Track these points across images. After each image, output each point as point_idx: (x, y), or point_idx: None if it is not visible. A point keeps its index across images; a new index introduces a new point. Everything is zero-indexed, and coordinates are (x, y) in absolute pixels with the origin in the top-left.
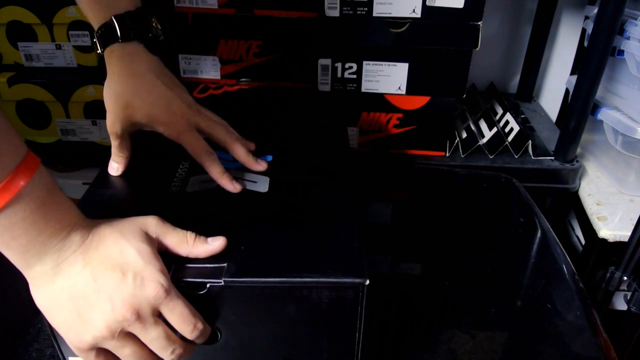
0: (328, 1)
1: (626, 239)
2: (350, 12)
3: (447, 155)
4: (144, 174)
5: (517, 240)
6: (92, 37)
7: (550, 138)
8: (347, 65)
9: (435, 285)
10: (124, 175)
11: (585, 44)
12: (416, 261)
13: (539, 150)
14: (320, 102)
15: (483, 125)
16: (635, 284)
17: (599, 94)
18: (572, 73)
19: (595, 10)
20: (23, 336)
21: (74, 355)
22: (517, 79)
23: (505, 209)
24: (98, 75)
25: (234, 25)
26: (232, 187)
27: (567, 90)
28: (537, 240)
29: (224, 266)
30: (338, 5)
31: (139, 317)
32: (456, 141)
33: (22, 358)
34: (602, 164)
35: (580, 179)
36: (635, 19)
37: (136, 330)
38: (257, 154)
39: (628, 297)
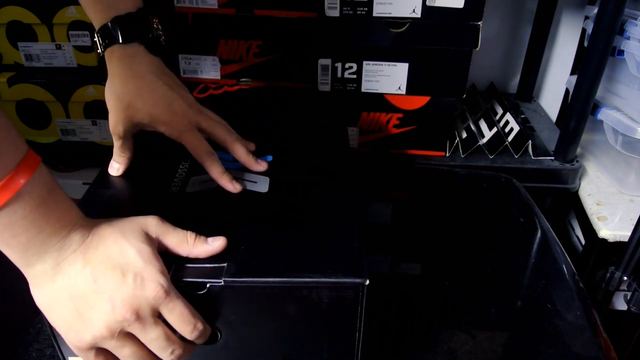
0: (328, 1)
1: (626, 239)
2: (350, 12)
3: (447, 155)
4: (144, 174)
5: (517, 240)
6: (92, 37)
7: (550, 138)
8: (347, 65)
9: (435, 285)
10: (124, 175)
11: (585, 44)
12: (416, 261)
13: (539, 150)
14: (320, 102)
15: (483, 125)
16: (635, 284)
17: (599, 94)
18: (572, 73)
19: (595, 10)
20: (23, 336)
21: (74, 355)
22: (517, 79)
23: (505, 209)
24: (98, 75)
25: (234, 25)
26: (232, 187)
27: (567, 90)
28: (537, 240)
29: (224, 266)
30: (338, 5)
31: (138, 317)
32: (456, 141)
33: (22, 358)
34: (602, 164)
35: (580, 179)
36: (635, 19)
37: (136, 330)
38: (257, 154)
39: (628, 297)
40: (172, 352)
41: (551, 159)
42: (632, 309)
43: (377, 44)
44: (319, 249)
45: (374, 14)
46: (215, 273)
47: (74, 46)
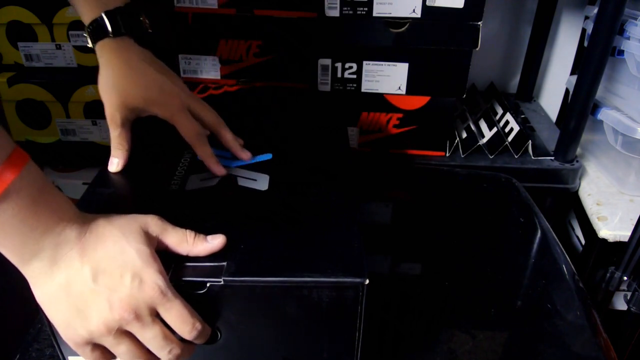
0: (328, 1)
1: (626, 239)
2: (350, 12)
3: (447, 155)
4: (144, 172)
5: (517, 240)
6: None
7: (550, 138)
8: (347, 65)
9: (435, 285)
10: (123, 173)
11: (585, 44)
12: (416, 261)
13: (539, 150)
14: (320, 102)
15: (483, 125)
16: (635, 284)
17: (599, 94)
18: (572, 73)
19: (595, 10)
20: (23, 336)
21: (74, 355)
22: (517, 79)
23: (505, 209)
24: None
25: (234, 25)
26: (218, 169)
27: (567, 90)
28: (537, 240)
29: (223, 265)
30: (338, 5)
31: (136, 316)
32: (456, 141)
33: (22, 358)
34: (602, 164)
35: (580, 179)
36: (635, 19)
37: (134, 329)
38: (257, 153)
39: (628, 297)
40: (170, 352)
41: (551, 159)
42: (632, 309)
43: (377, 44)
44: (319, 249)
45: (374, 14)
46: (215, 272)
47: (74, 46)
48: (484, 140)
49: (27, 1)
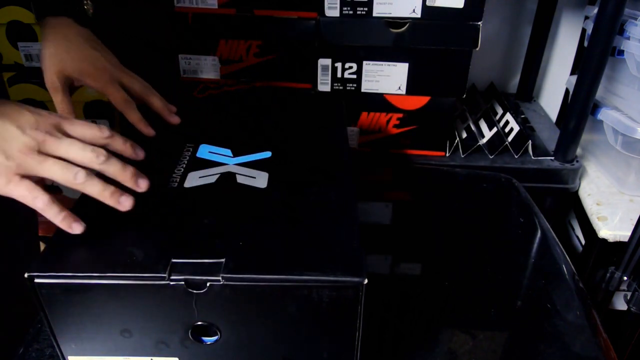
0: (328, 1)
1: (626, 239)
2: (350, 12)
3: (447, 155)
4: (143, 170)
5: (517, 240)
6: None
7: (550, 138)
8: (347, 65)
9: (435, 285)
10: None
11: (585, 44)
12: (416, 261)
13: (539, 150)
14: (320, 102)
15: (483, 125)
16: (635, 284)
17: (599, 94)
18: (572, 73)
19: (595, 10)
20: (23, 336)
21: (73, 354)
22: (517, 79)
23: (505, 209)
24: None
25: (234, 25)
26: (147, 131)
27: (567, 90)
28: (537, 240)
29: (222, 262)
30: (338, 5)
31: (47, 132)
32: (456, 141)
33: (22, 358)
34: (602, 164)
35: (580, 179)
36: (635, 19)
37: (50, 146)
38: (257, 150)
39: (628, 297)
40: (97, 156)
41: (551, 159)
42: (632, 309)
43: (377, 44)
44: (319, 248)
45: (374, 14)
46: (214, 268)
47: None
48: (484, 140)
49: (27, 1)
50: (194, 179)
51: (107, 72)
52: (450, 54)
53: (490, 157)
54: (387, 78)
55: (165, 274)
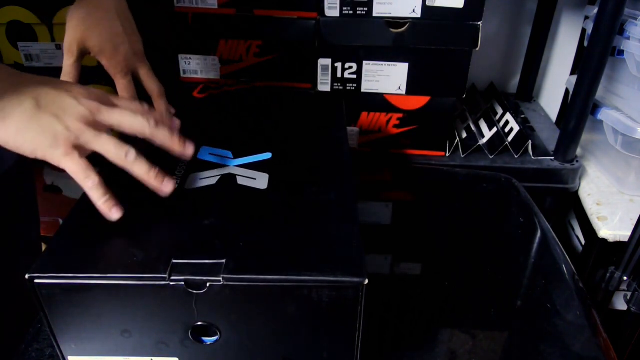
0: (328, 1)
1: (626, 239)
2: (350, 12)
3: (447, 155)
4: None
5: (517, 240)
6: None
7: (550, 138)
8: (347, 65)
9: (435, 285)
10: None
11: (585, 44)
12: (416, 261)
13: (539, 150)
14: (320, 102)
15: (483, 125)
16: (635, 284)
17: (599, 94)
18: (572, 73)
19: (595, 10)
20: (23, 336)
21: (73, 354)
22: (517, 79)
23: (505, 209)
24: (98, 75)
25: (234, 25)
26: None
27: (567, 90)
28: (537, 240)
29: (222, 262)
30: (338, 5)
31: (100, 102)
32: (456, 141)
33: (22, 358)
34: (602, 164)
35: (580, 179)
36: (635, 19)
37: (104, 114)
38: (257, 152)
39: (628, 297)
40: (147, 120)
41: (551, 159)
42: (632, 309)
43: (377, 44)
44: (319, 248)
45: (374, 14)
46: (214, 269)
47: None
48: (484, 140)
49: (27, 1)
50: (194, 181)
51: (125, 61)
52: (450, 54)
53: (490, 157)
54: (387, 78)
55: (165, 274)
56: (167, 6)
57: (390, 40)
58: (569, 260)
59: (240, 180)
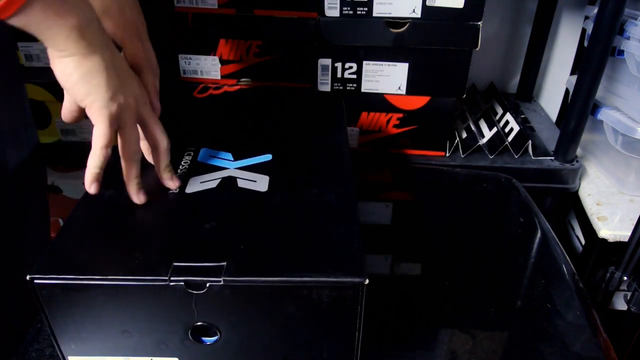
0: (328, 1)
1: (626, 239)
2: (350, 12)
3: (447, 155)
4: (144, 175)
5: (517, 240)
6: None
7: (550, 138)
8: (347, 65)
9: (435, 285)
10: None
11: (585, 44)
12: (416, 261)
13: (539, 150)
14: (320, 102)
15: (483, 125)
16: (635, 284)
17: (599, 94)
18: (572, 73)
19: (595, 10)
20: (23, 336)
21: (74, 354)
22: (517, 79)
23: (505, 209)
24: None
25: (234, 25)
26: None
27: (567, 90)
28: (537, 240)
29: (223, 265)
30: (338, 5)
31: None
32: (456, 141)
33: (22, 358)
34: (602, 164)
35: (580, 179)
36: (635, 19)
37: (148, 109)
38: (257, 153)
39: (628, 297)
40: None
41: (551, 159)
42: (632, 309)
43: (377, 44)
44: (319, 249)
45: (374, 14)
46: (215, 272)
47: None
48: (484, 140)
49: None
50: (195, 185)
51: (133, 23)
52: (450, 54)
53: (490, 157)
54: (387, 78)
55: (166, 277)
56: (167, 6)
57: (390, 40)
58: (569, 260)
59: (241, 183)
